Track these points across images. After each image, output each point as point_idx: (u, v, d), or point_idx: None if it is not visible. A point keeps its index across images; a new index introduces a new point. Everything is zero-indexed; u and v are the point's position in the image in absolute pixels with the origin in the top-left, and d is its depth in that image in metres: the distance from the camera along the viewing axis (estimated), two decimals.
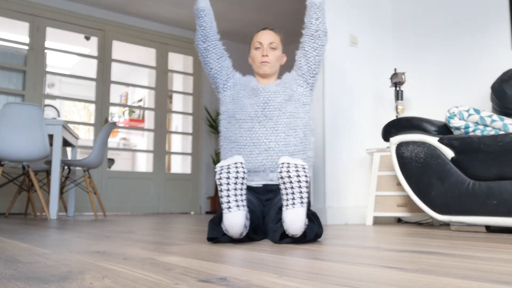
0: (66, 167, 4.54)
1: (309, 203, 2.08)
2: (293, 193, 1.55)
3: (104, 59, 5.63)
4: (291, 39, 6.68)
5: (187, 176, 6.17)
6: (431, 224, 3.27)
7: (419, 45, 3.70)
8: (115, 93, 7.98)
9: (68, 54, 6.07)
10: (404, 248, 1.49)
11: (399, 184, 3.17)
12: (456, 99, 3.42)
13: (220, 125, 2.07)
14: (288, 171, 1.53)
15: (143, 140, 7.48)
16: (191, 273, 0.94)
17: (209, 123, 6.27)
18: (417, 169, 2.62)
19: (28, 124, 3.62)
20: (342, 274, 0.94)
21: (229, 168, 1.55)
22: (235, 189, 1.54)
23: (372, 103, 3.66)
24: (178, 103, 6.65)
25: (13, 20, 5.13)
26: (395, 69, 3.49)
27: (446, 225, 3.11)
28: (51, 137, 3.93)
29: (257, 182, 1.98)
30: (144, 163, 7.24)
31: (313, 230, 1.65)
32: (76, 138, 4.63)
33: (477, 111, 2.50)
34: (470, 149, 2.40)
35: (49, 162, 4.20)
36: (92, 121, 6.02)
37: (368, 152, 3.37)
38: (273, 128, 1.94)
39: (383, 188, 3.21)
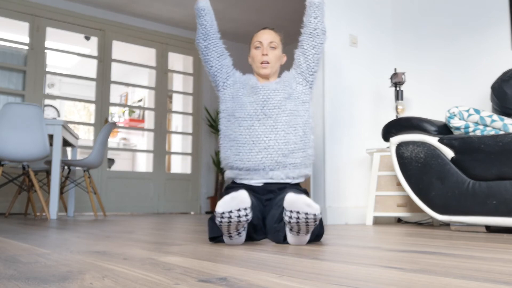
0: (66, 167, 4.54)
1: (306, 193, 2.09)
2: (298, 230, 1.55)
3: (104, 59, 5.63)
4: (291, 39, 6.69)
5: (187, 176, 6.16)
6: (431, 224, 3.27)
7: (419, 45, 3.70)
8: (115, 93, 7.98)
9: (68, 54, 6.07)
10: (404, 248, 1.49)
11: (399, 184, 3.17)
12: (456, 99, 3.42)
13: (219, 124, 2.06)
14: (298, 222, 1.51)
15: (143, 140, 7.48)
16: (191, 273, 0.94)
17: (209, 123, 6.27)
18: (417, 169, 2.62)
19: (28, 124, 3.62)
20: (342, 274, 0.94)
21: (230, 217, 1.48)
22: (237, 229, 1.53)
23: (372, 103, 3.66)
24: (178, 103, 6.65)
25: (13, 20, 5.13)
26: (395, 69, 3.49)
27: (446, 225, 3.11)
28: (51, 137, 3.93)
29: (257, 181, 1.97)
30: (144, 163, 7.24)
31: (315, 231, 1.64)
32: (76, 138, 4.63)
33: (477, 111, 2.50)
34: (470, 149, 2.40)
35: (49, 162, 4.20)
36: (92, 121, 6.02)
37: (368, 152, 3.37)
38: (272, 126, 1.93)
39: (383, 188, 3.21)
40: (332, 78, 3.40)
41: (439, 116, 3.43)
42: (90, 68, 6.27)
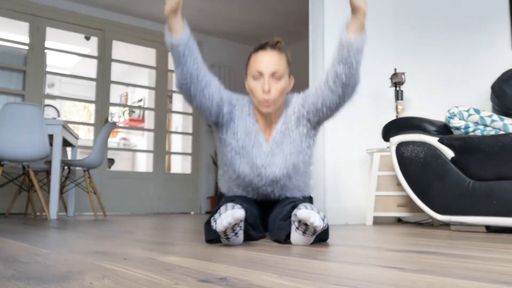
0: (66, 167, 4.54)
1: (310, 199, 2.07)
2: (305, 230, 1.54)
3: (104, 59, 5.63)
4: (291, 39, 6.69)
5: (187, 176, 6.16)
6: (431, 224, 3.27)
7: (419, 45, 3.70)
8: (115, 93, 7.97)
9: (68, 54, 6.07)
10: (404, 248, 1.49)
11: (399, 184, 3.17)
12: (456, 99, 3.42)
13: (223, 154, 1.89)
14: (305, 230, 1.53)
15: (143, 140, 7.48)
16: (191, 273, 0.94)
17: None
18: (417, 169, 2.62)
19: (28, 124, 3.61)
20: (342, 274, 0.94)
21: (226, 233, 1.49)
22: (233, 229, 1.52)
23: (372, 103, 3.66)
24: (178, 103, 6.65)
25: (13, 20, 5.13)
26: (395, 69, 3.49)
27: (446, 225, 3.11)
28: (51, 137, 3.93)
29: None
30: (144, 163, 7.24)
31: (319, 235, 1.64)
32: (76, 138, 4.63)
33: (477, 111, 2.50)
34: (470, 149, 2.40)
35: (49, 162, 4.20)
36: (92, 121, 6.02)
37: (368, 152, 3.37)
38: (272, 179, 1.82)
39: (383, 188, 3.21)
40: None
41: (439, 116, 3.43)
42: (90, 68, 6.27)
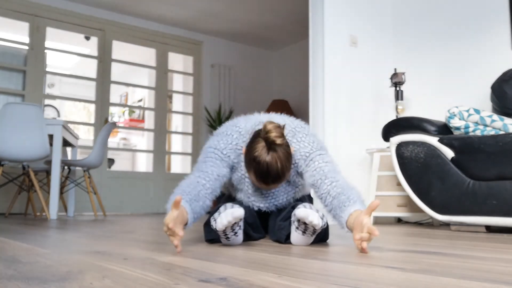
0: (66, 167, 4.54)
1: (310, 199, 2.07)
2: (305, 230, 1.55)
3: (104, 59, 5.63)
4: (291, 39, 6.70)
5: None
6: (431, 224, 3.27)
7: (419, 45, 3.70)
8: (115, 93, 7.97)
9: (68, 54, 6.07)
10: (404, 248, 1.49)
11: (399, 184, 3.17)
12: (456, 99, 3.42)
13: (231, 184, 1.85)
14: (305, 230, 1.54)
15: (143, 140, 7.48)
16: (191, 273, 0.94)
17: (209, 123, 6.27)
18: (417, 169, 2.62)
19: (28, 124, 3.61)
20: (342, 274, 0.94)
21: (226, 232, 1.50)
22: (233, 229, 1.52)
23: (372, 103, 3.66)
24: (178, 103, 6.65)
25: (13, 20, 5.13)
26: (395, 69, 3.49)
27: (446, 225, 3.11)
28: (51, 137, 3.93)
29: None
30: (144, 163, 7.24)
31: (319, 235, 1.64)
32: (76, 138, 4.63)
33: (477, 111, 2.50)
34: (470, 149, 2.40)
35: (49, 162, 4.20)
36: (92, 121, 6.02)
37: (368, 152, 3.37)
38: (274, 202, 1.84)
39: (383, 188, 3.21)
40: (332, 78, 3.40)
41: (439, 116, 3.43)
42: (90, 68, 6.27)
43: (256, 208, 1.80)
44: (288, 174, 1.60)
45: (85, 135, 8.03)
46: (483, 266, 1.07)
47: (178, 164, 6.62)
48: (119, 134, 7.89)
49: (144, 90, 7.34)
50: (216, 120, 6.17)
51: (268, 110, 6.15)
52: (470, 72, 3.35)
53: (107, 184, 5.53)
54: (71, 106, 8.32)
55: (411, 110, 3.68)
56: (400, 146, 2.72)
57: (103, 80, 5.59)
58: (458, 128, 2.54)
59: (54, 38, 6.10)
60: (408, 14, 3.79)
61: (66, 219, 3.76)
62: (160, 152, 5.98)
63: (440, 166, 2.52)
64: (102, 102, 5.57)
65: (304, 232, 1.54)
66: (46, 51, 5.25)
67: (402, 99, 3.41)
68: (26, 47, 5.13)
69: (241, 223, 1.55)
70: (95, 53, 5.63)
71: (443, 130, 2.64)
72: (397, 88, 3.43)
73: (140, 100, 7.71)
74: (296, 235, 1.58)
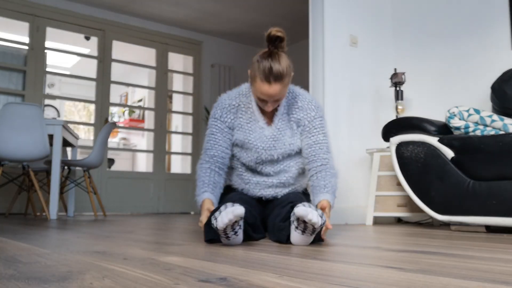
0: (66, 167, 4.54)
1: (307, 195, 2.10)
2: (304, 229, 1.56)
3: (104, 59, 5.63)
4: (291, 39, 6.68)
5: (187, 176, 6.16)
6: (431, 224, 3.27)
7: (419, 45, 3.70)
8: (115, 93, 7.97)
9: (68, 54, 6.07)
10: (404, 248, 1.49)
11: (399, 184, 3.17)
12: (456, 99, 3.42)
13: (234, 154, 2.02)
14: (304, 229, 1.55)
15: (143, 140, 7.48)
16: (191, 273, 0.94)
17: None
18: (417, 169, 2.62)
19: (28, 124, 3.61)
20: (342, 274, 0.94)
21: (226, 231, 1.52)
22: (233, 228, 1.53)
23: (372, 103, 3.66)
24: (178, 103, 6.65)
25: (13, 20, 5.13)
26: (395, 69, 3.49)
27: (446, 225, 3.11)
28: (51, 137, 3.93)
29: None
30: (144, 163, 7.24)
31: (319, 234, 1.64)
32: (76, 138, 4.63)
33: (477, 111, 2.50)
34: (470, 149, 2.40)
35: (49, 162, 4.20)
36: (92, 121, 6.02)
37: (368, 152, 3.37)
38: (269, 172, 1.97)
39: (383, 188, 3.21)
40: (332, 78, 3.40)
41: (439, 116, 3.43)
42: (90, 68, 6.27)
43: (261, 155, 1.92)
44: (288, 79, 1.81)
45: (85, 135, 8.03)
46: (483, 266, 1.07)
47: (178, 164, 6.62)
48: (119, 134, 7.89)
49: (144, 90, 7.34)
50: None
51: None
52: (470, 72, 3.35)
53: (107, 184, 5.53)
54: (71, 106, 8.32)
55: (411, 110, 3.68)
56: (400, 146, 2.72)
57: (103, 80, 5.59)
58: (458, 128, 2.54)
59: (54, 38, 6.10)
60: (408, 14, 3.79)
61: (66, 219, 3.76)
62: (160, 152, 5.98)
63: (440, 166, 2.52)
64: (102, 102, 5.57)
65: (303, 231, 1.55)
66: (46, 51, 5.25)
67: (402, 99, 3.41)
68: (26, 47, 5.13)
69: (242, 223, 1.56)
70: (95, 53, 5.63)
71: (443, 130, 2.64)
72: (397, 88, 3.43)
73: (140, 100, 7.71)
74: (295, 235, 1.58)
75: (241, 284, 0.81)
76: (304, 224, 1.53)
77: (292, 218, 1.58)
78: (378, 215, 3.19)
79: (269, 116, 1.97)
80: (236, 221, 1.49)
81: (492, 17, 3.25)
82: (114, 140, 7.66)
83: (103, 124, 5.52)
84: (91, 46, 6.32)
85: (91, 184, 4.60)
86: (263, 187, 1.98)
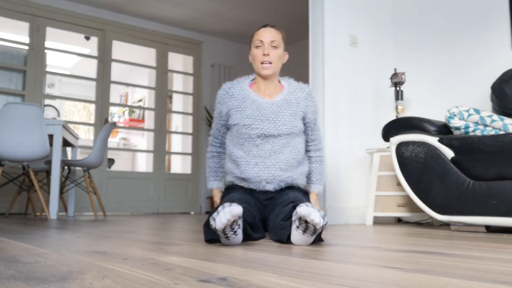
0: (66, 167, 4.54)
1: (307, 193, 2.11)
2: (305, 229, 1.56)
3: (104, 59, 5.63)
4: (291, 39, 6.69)
5: (187, 176, 6.16)
6: (431, 224, 3.27)
7: (419, 45, 3.70)
8: (115, 93, 7.97)
9: (68, 54, 6.07)
10: (404, 248, 1.49)
11: (399, 184, 3.17)
12: (456, 99, 3.42)
13: (228, 134, 2.13)
14: (306, 228, 1.55)
15: (143, 140, 7.48)
16: (191, 273, 0.94)
17: (209, 123, 6.27)
18: (417, 169, 2.62)
19: (28, 124, 3.61)
20: (342, 274, 0.94)
21: (225, 231, 1.52)
22: (232, 228, 1.53)
23: (372, 103, 3.66)
24: (178, 103, 6.65)
25: (13, 20, 5.13)
26: (395, 69, 3.49)
27: (446, 225, 3.11)
28: (51, 137, 3.93)
29: (253, 187, 2.03)
30: (144, 163, 7.24)
31: (319, 234, 1.65)
32: (76, 138, 4.63)
33: (477, 111, 2.50)
34: (470, 149, 2.40)
35: (49, 162, 4.20)
36: (92, 121, 6.03)
37: (368, 152, 3.37)
38: (271, 149, 1.99)
39: (383, 188, 3.21)
40: (332, 78, 3.40)
41: (439, 116, 3.43)
42: (90, 68, 6.27)
43: (261, 131, 1.97)
44: (282, 45, 2.05)
45: (85, 135, 8.03)
46: (483, 266, 1.07)
47: (178, 164, 6.62)
48: (119, 134, 7.89)
49: (144, 90, 7.34)
50: None
51: None
52: (470, 72, 3.35)
53: (107, 184, 5.53)
54: (71, 106, 8.32)
55: (411, 110, 3.68)
56: (400, 146, 2.72)
57: (103, 80, 5.59)
58: (458, 128, 2.54)
59: (54, 38, 6.10)
60: (408, 14, 3.79)
61: (66, 219, 3.76)
62: (160, 152, 5.98)
63: (440, 166, 2.52)
64: (102, 102, 5.57)
65: (304, 231, 1.55)
66: (46, 51, 5.25)
67: (402, 99, 3.41)
68: (26, 47, 5.13)
69: (240, 222, 1.55)
70: (95, 53, 5.63)
71: (443, 130, 2.64)
72: (397, 88, 3.43)
73: (140, 100, 7.71)
74: (296, 234, 1.58)
75: (241, 284, 0.81)
76: (305, 224, 1.53)
77: (294, 218, 1.58)
78: (378, 215, 3.19)
79: (271, 94, 2.07)
80: (234, 221, 1.49)
81: (492, 17, 3.25)
82: (114, 140, 7.66)
83: (103, 124, 5.52)
84: (91, 46, 6.32)
85: (91, 184, 4.60)
86: (261, 167, 1.98)
